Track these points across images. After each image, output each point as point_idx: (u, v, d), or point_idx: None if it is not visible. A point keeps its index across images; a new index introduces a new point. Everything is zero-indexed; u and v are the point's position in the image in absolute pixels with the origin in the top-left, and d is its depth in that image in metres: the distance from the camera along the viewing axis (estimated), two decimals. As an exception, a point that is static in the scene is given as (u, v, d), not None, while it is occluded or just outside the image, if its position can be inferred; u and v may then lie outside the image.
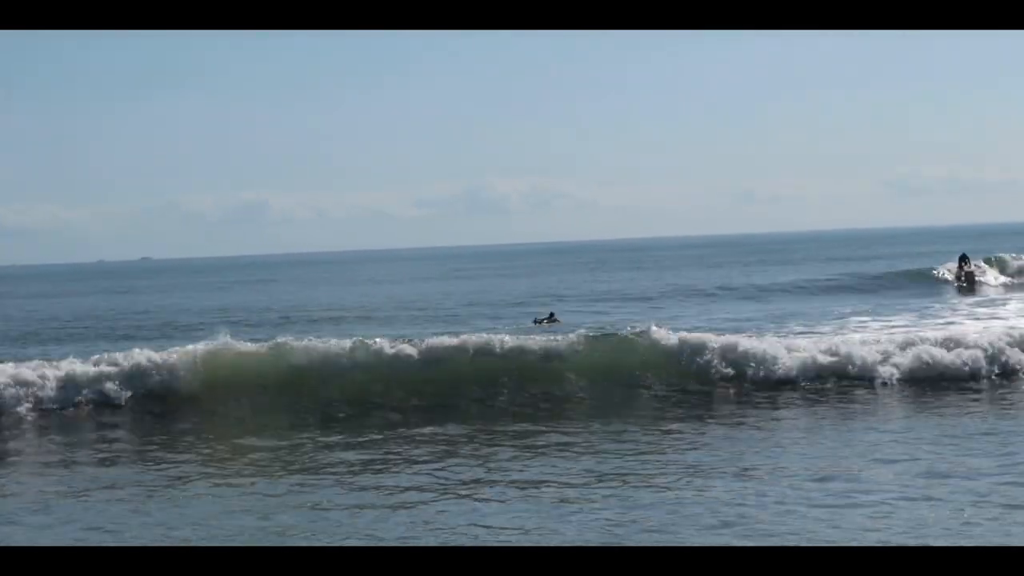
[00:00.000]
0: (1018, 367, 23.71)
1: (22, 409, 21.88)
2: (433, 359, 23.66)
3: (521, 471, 15.66)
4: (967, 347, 24.11)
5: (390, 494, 14.38)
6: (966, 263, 57.92)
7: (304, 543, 12.05)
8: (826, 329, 33.29)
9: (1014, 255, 64.49)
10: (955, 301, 46.68)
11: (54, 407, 22.12)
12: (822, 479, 14.38)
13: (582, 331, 25.27)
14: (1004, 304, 42.74)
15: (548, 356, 23.82)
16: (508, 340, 24.18)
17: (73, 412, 22.06)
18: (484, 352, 23.85)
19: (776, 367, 23.45)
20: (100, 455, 18.20)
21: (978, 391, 22.40)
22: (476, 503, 13.78)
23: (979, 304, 43.89)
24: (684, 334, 24.76)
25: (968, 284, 55.37)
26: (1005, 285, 56.49)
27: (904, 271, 62.95)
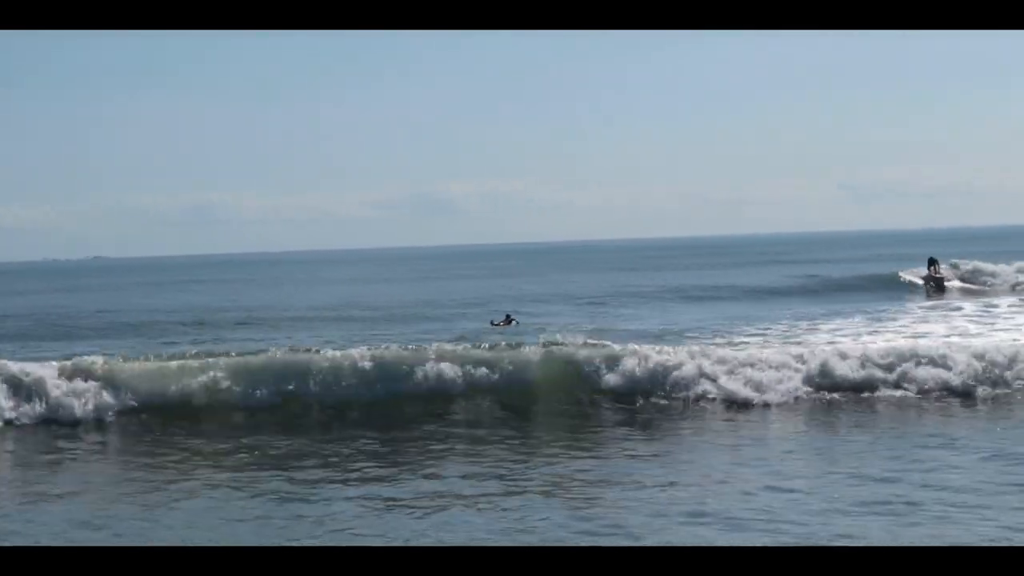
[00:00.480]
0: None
1: None
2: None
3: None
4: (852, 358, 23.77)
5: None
6: (935, 267, 57.29)
7: (301, 543, 12.10)
8: (776, 333, 33.84)
9: (971, 261, 62.71)
10: (922, 304, 46.53)
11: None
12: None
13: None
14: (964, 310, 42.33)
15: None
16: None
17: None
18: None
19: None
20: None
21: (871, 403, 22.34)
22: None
23: (938, 308, 43.93)
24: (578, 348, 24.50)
25: (937, 288, 54.80)
26: (973, 290, 55.19)
27: (872, 275, 62.43)
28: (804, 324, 37.62)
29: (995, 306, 43.27)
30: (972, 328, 34.69)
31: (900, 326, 35.96)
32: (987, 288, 55.31)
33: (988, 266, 59.55)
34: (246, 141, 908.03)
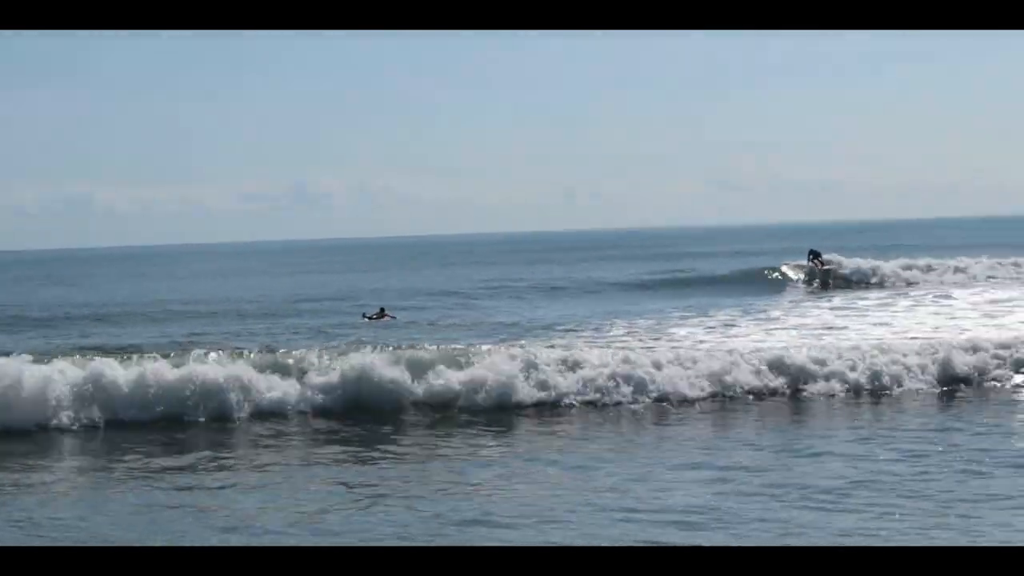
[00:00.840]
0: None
1: None
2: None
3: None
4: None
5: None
6: (817, 259, 56.89)
7: (300, 543, 12.11)
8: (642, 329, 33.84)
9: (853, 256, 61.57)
10: (794, 298, 46.64)
11: None
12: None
13: None
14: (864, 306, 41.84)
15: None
16: None
17: None
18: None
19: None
20: None
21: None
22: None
23: (823, 301, 44.16)
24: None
25: (821, 281, 54.41)
26: (853, 284, 54.38)
27: (752, 268, 61.71)
28: (676, 317, 37.85)
29: (865, 299, 44.17)
30: (839, 322, 35.30)
31: (759, 321, 36.05)
32: (869, 282, 54.48)
33: (869, 262, 58.16)
34: (119, 135, 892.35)
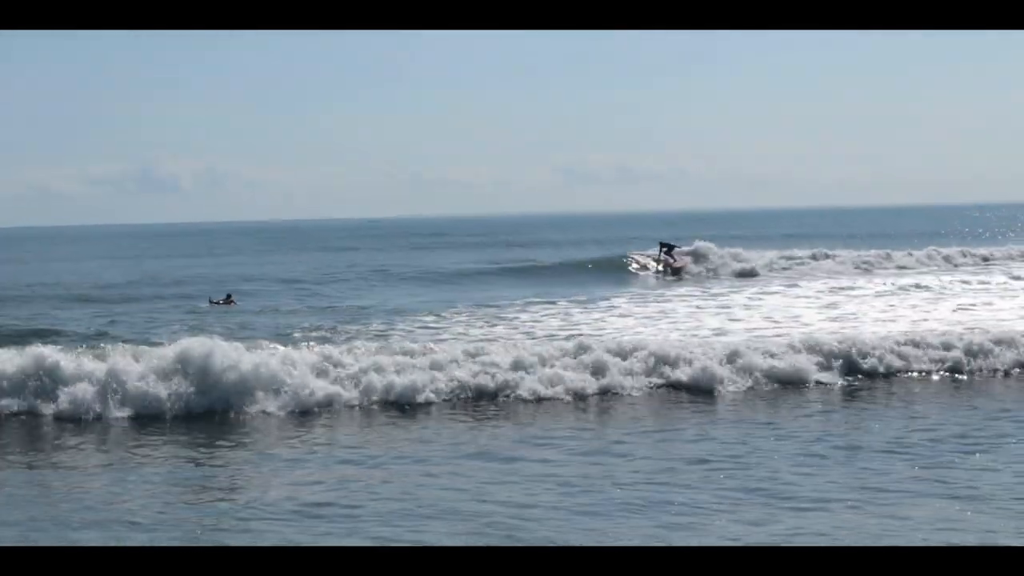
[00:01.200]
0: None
1: None
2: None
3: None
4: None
5: None
6: (669, 252, 56.94)
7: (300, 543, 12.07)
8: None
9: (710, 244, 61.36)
10: (642, 290, 46.40)
11: None
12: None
13: None
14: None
15: None
16: None
17: None
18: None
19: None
20: None
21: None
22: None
23: (669, 292, 44.09)
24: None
25: (674, 273, 54.63)
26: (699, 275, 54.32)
27: (600, 258, 61.89)
28: (517, 306, 37.82)
29: (721, 292, 43.92)
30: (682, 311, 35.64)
31: (600, 315, 35.81)
32: (711, 273, 54.60)
33: (715, 249, 58.57)
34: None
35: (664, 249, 57.64)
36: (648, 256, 58.49)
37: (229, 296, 44.54)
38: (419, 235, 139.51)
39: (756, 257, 57.43)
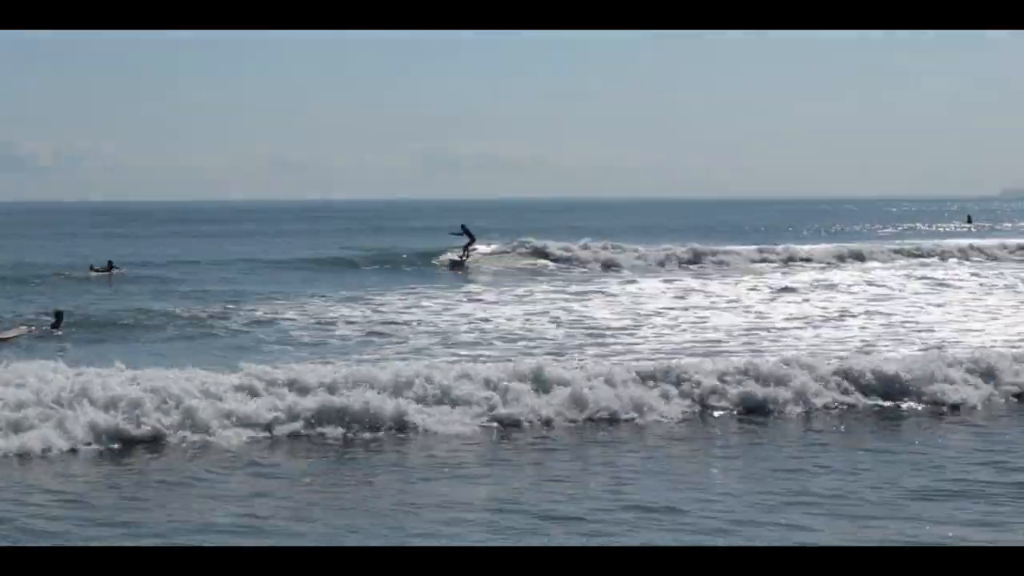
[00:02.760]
0: None
1: None
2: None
3: None
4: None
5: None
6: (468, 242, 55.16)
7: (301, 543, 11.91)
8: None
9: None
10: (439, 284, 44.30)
11: None
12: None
13: None
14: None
15: None
16: None
17: None
18: None
19: None
20: None
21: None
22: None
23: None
24: None
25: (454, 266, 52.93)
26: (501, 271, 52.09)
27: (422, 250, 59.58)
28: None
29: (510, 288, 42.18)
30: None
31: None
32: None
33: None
34: None
35: (465, 235, 55.63)
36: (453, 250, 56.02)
37: (111, 264, 45.13)
38: (267, 220, 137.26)
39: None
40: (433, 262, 54.78)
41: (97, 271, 44.64)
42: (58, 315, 29.39)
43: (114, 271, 45.18)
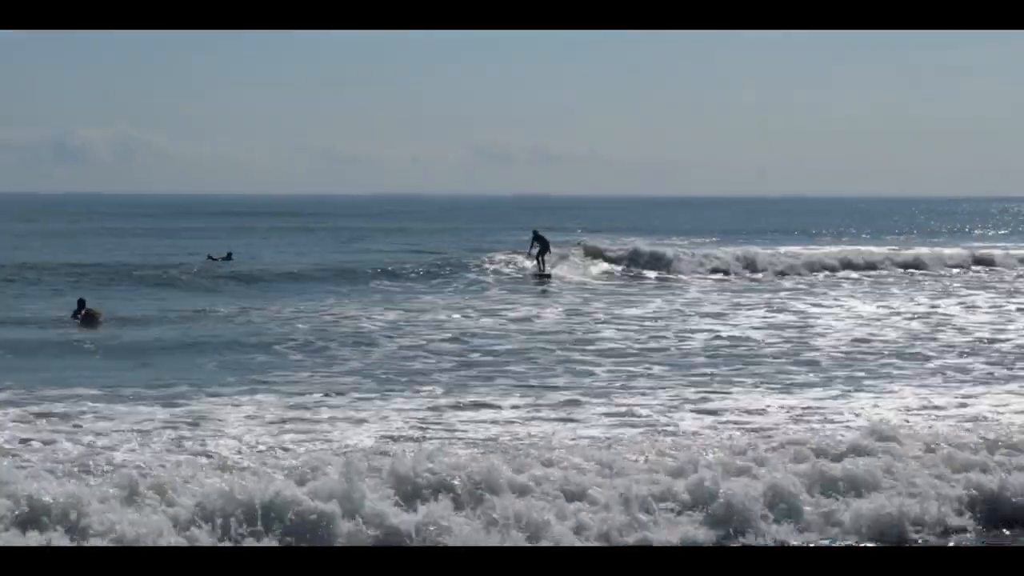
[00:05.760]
0: None
1: None
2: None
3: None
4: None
5: None
6: (542, 250, 45.31)
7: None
8: None
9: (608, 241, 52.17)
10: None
11: None
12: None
13: None
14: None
15: None
16: None
17: None
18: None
19: None
20: None
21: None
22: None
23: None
24: None
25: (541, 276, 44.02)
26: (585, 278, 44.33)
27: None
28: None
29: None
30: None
31: None
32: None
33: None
34: None
35: (535, 243, 45.78)
36: (524, 254, 47.12)
37: (229, 254, 46.01)
38: (332, 216, 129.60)
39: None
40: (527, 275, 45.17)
41: (213, 259, 45.53)
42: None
43: (232, 259, 46.28)
